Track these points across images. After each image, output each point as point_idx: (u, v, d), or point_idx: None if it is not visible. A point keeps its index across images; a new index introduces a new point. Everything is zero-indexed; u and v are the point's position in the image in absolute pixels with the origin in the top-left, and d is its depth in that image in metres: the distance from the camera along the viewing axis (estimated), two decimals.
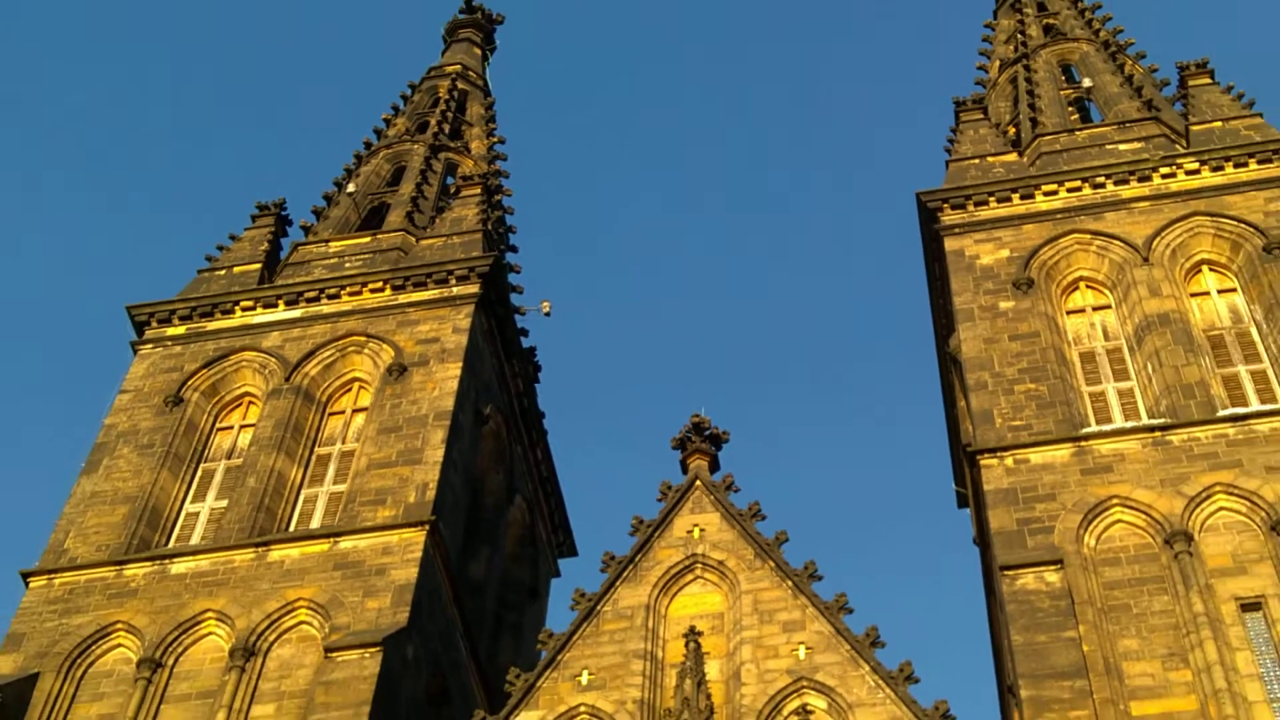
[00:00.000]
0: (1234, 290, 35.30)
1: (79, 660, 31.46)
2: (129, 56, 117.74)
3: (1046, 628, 27.59)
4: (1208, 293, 35.41)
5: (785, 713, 28.44)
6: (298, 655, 30.94)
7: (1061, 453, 31.43)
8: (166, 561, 33.33)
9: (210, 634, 31.67)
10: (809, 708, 28.33)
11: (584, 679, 29.83)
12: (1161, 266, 35.47)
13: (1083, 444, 31.54)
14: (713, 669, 29.54)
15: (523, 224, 66.94)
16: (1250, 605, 28.12)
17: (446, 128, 49.59)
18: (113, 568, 33.27)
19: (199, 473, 36.49)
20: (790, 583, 30.68)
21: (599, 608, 31.16)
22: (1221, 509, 29.75)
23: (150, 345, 39.36)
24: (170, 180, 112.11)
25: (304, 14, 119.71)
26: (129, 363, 39.05)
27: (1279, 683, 26.86)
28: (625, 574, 31.73)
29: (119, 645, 31.76)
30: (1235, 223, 35.93)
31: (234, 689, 30.16)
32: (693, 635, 29.85)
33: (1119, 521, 29.99)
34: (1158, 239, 36.03)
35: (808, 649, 29.41)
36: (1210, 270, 35.83)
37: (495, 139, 51.09)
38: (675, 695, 28.63)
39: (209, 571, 32.88)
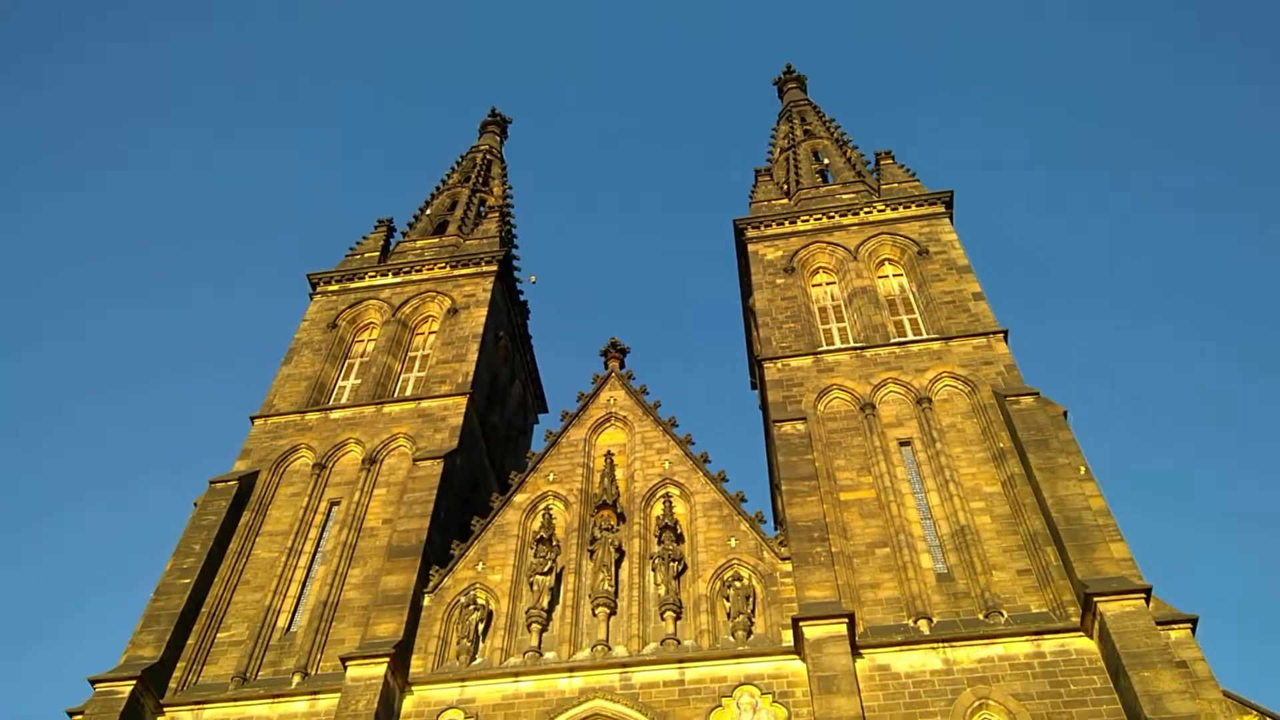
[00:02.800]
0: (901, 275, 34.88)
1: (280, 464, 31.14)
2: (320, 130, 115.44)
3: (796, 453, 27.81)
4: (887, 276, 35.01)
5: (657, 495, 28.45)
6: (398, 463, 30.65)
7: (807, 360, 31.31)
8: (328, 411, 32.75)
9: (351, 450, 31.35)
10: (670, 493, 28.32)
11: (550, 477, 29.62)
12: (863, 261, 35.17)
13: (818, 356, 31.41)
14: (619, 473, 29.41)
15: (522, 233, 66.55)
16: (905, 442, 28.46)
17: (480, 179, 48.30)
18: (299, 414, 32.74)
19: (345, 365, 35.55)
20: (661, 428, 30.51)
21: (559, 440, 30.81)
22: (891, 391, 29.90)
23: (320, 296, 38.31)
24: (332, 206, 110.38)
25: (406, 120, 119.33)
26: (306, 305, 38.05)
27: (919, 484, 27.27)
28: (573, 422, 31.32)
29: (302, 456, 31.42)
30: (904, 239, 35.57)
31: (364, 480, 30.05)
32: (609, 455, 29.76)
33: (836, 398, 30.03)
34: (862, 246, 35.71)
35: (670, 463, 29.34)
36: (889, 264, 35.39)
37: (507, 186, 49.78)
38: (599, 486, 28.58)
39: (352, 417, 32.38)
